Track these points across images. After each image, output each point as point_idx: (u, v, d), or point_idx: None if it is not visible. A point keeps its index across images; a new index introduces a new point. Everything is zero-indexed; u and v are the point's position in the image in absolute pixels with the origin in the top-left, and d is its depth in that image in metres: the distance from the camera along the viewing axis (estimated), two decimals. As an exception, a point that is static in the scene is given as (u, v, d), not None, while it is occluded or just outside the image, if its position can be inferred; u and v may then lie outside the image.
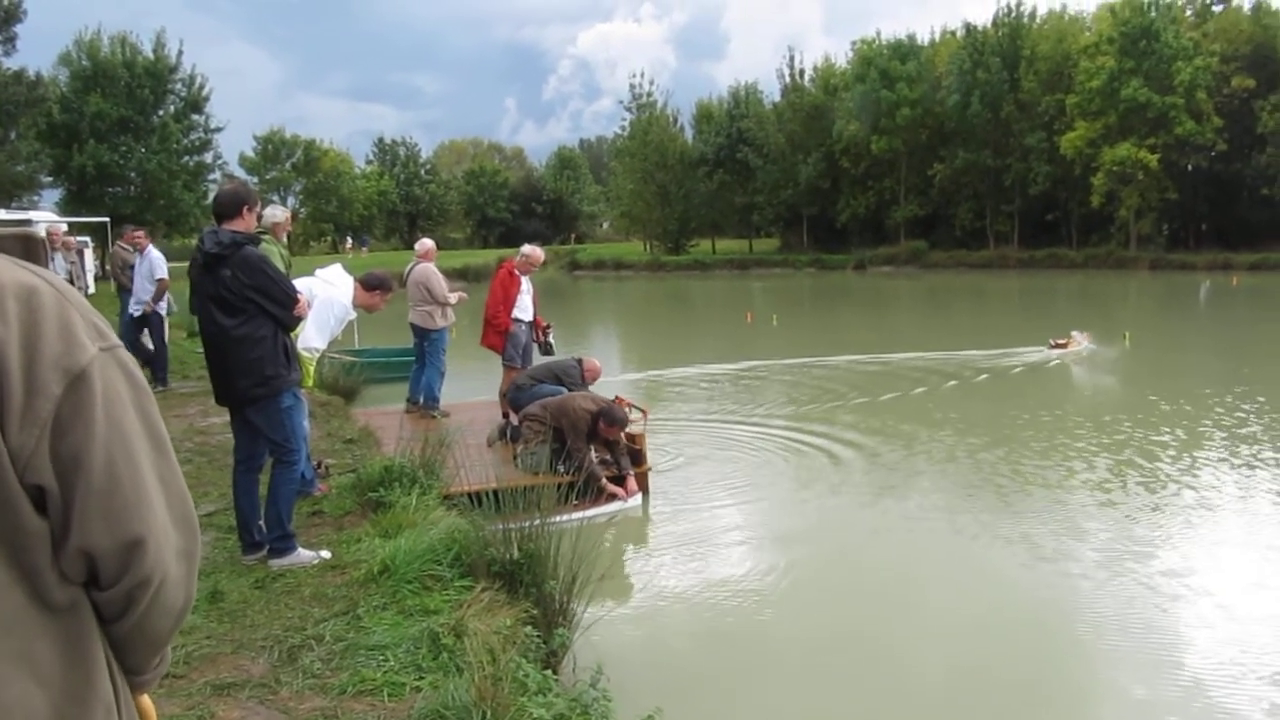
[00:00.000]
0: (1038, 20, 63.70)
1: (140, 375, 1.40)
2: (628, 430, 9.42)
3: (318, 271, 7.50)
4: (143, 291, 12.88)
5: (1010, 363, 18.33)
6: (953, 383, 16.00)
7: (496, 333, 11.27)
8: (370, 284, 7.48)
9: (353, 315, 7.65)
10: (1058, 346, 19.78)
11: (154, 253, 13.02)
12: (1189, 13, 61.09)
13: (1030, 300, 40.15)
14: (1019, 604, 6.81)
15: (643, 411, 9.68)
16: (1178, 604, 6.54)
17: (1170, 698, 5.29)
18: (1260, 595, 6.61)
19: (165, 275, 12.94)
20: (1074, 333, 20.42)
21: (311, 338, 7.10)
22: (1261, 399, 13.77)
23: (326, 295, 7.16)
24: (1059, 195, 60.39)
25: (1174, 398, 14.16)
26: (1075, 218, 60.42)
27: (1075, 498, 9.19)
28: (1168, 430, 11.96)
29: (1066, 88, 57.72)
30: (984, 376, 16.59)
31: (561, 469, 8.72)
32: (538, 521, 5.62)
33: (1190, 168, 57.46)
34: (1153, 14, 55.20)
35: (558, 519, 5.97)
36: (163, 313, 13.21)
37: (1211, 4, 62.92)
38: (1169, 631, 6.13)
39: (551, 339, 11.86)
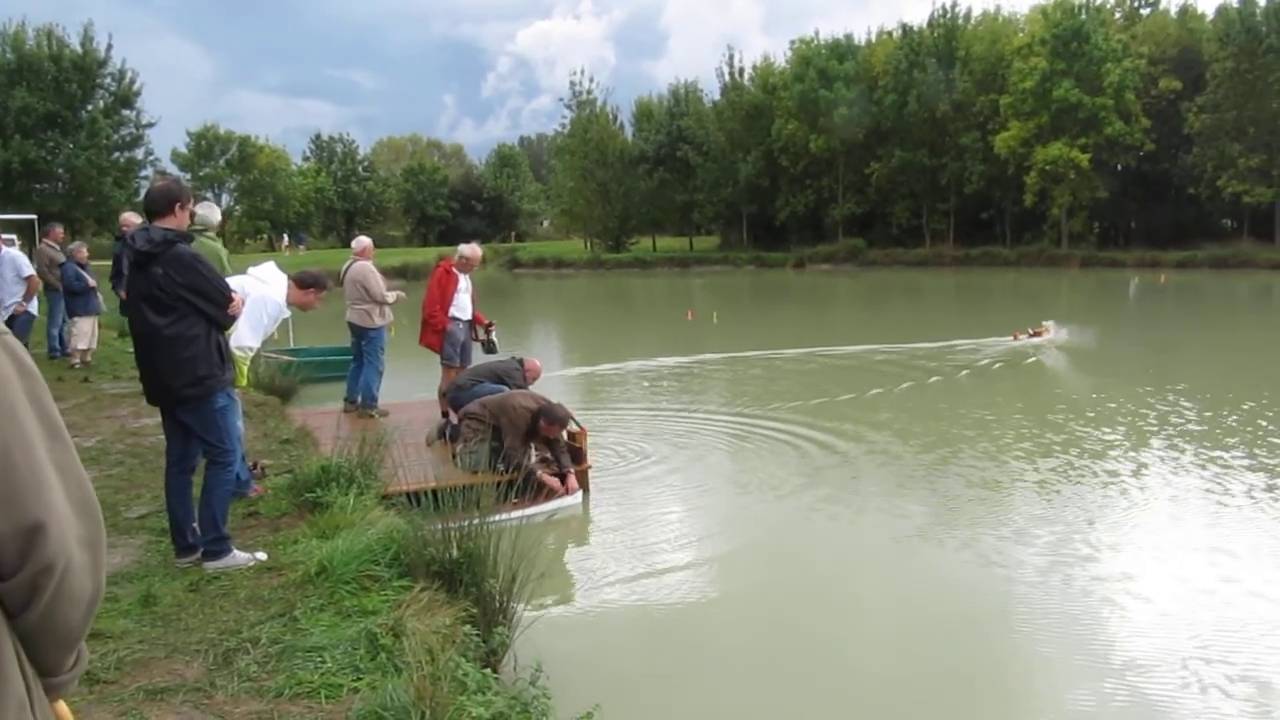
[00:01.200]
0: (972, 22, 64.79)
1: (30, 362, 1.38)
2: (569, 428, 9.42)
3: (251, 270, 7.40)
4: (7, 294, 12.43)
5: (965, 356, 18.61)
6: (883, 386, 16.18)
7: (434, 332, 11.21)
8: (305, 282, 7.39)
9: (287, 314, 7.55)
10: (1035, 335, 21.17)
11: (10, 251, 12.63)
12: (1118, 15, 62.63)
13: (968, 297, 40.82)
14: (959, 605, 6.82)
15: (581, 428, 9.63)
16: (1120, 608, 6.51)
17: (1112, 705, 5.24)
18: (1203, 600, 6.58)
19: (32, 272, 12.59)
20: (1045, 323, 21.86)
21: (245, 337, 7.00)
22: (1206, 395, 14.05)
23: (260, 294, 7.06)
24: (993, 194, 61.53)
25: (1116, 396, 14.36)
26: (1009, 216, 61.60)
27: (1019, 498, 9.19)
28: (1110, 430, 12.08)
29: (1000, 88, 58.77)
30: (906, 383, 16.76)
31: (501, 468, 8.68)
32: (477, 520, 5.60)
33: (1119, 167, 58.91)
34: (1083, 16, 56.43)
35: (497, 518, 5.95)
36: (34, 311, 12.88)
37: (1139, 7, 64.55)
38: (1110, 636, 6.09)
39: (495, 337, 11.78)
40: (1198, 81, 55.69)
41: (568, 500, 8.91)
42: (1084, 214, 58.45)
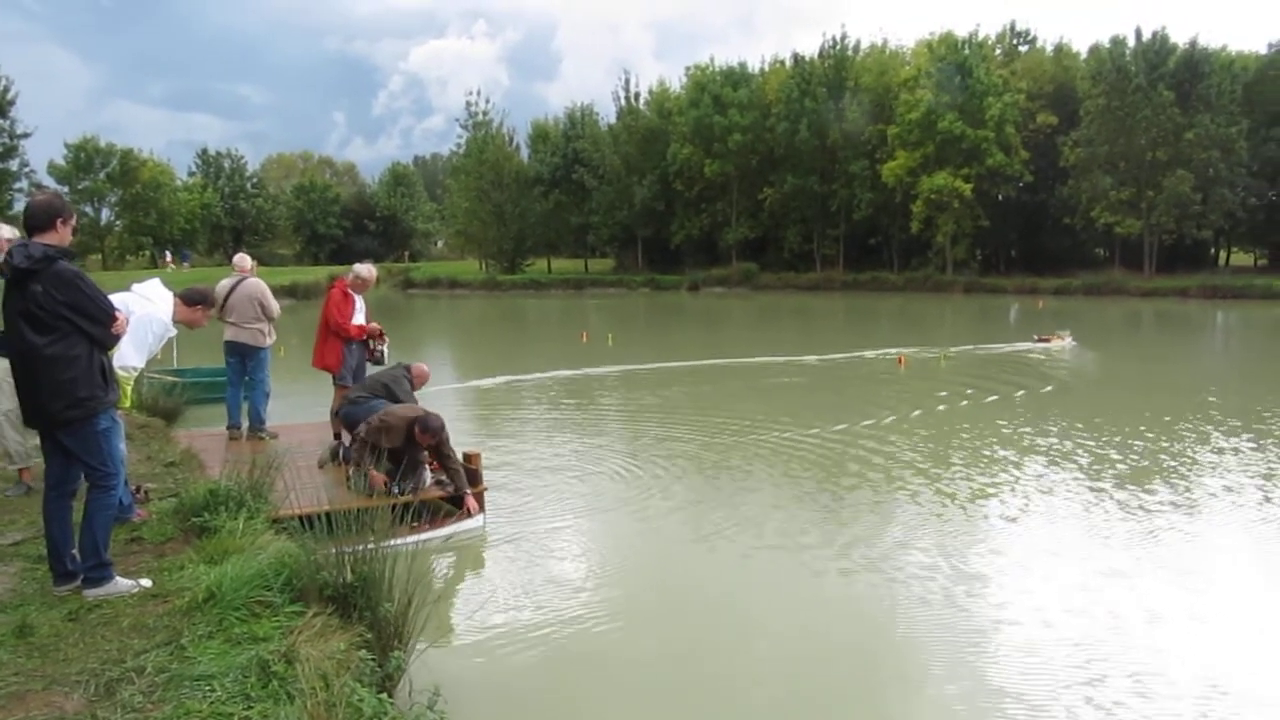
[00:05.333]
0: (861, 53, 66.59)
1: None
2: (465, 451, 9.34)
3: (135, 287, 7.17)
4: None
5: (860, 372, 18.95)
6: (779, 407, 16.39)
7: (334, 351, 10.88)
8: (192, 299, 7.21)
9: (173, 332, 7.35)
10: (1042, 340, 24.15)
11: None
12: (998, 52, 65.16)
13: (857, 319, 41.72)
14: (854, 633, 6.85)
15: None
16: (1009, 639, 6.53)
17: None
18: (1097, 633, 6.59)
19: None
20: (1059, 331, 24.99)
21: (129, 356, 6.78)
22: (1132, 430, 14.35)
23: (144, 312, 6.85)
24: (881, 221, 63.33)
25: (1011, 424, 14.70)
26: (896, 243, 63.43)
27: (917, 531, 9.11)
28: (1010, 458, 12.33)
29: (888, 119, 60.48)
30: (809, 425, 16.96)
31: (396, 490, 8.57)
32: (372, 544, 5.52)
33: (1001, 197, 61.20)
34: (966, 51, 58.49)
35: (394, 541, 5.87)
36: None
37: (1018, 44, 67.32)
38: (998, 666, 6.11)
39: (385, 349, 11.41)
40: (1072, 117, 58.39)
41: (466, 523, 8.83)
42: (967, 241, 60.58)
